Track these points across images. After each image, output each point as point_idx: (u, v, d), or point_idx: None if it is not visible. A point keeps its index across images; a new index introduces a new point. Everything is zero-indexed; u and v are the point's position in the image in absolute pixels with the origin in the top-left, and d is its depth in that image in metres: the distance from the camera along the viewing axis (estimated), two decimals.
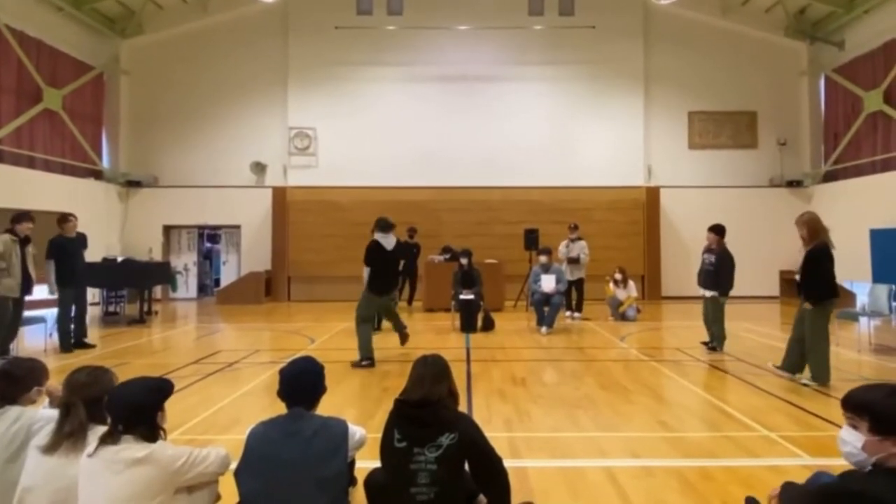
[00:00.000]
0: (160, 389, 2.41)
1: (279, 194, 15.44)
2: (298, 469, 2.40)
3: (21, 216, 7.37)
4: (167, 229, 15.89)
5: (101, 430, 2.31)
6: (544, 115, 15.65)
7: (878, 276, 11.27)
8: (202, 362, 7.17)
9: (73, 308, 8.15)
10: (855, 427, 1.87)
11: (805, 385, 5.80)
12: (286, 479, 2.39)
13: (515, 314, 11.91)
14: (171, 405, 2.46)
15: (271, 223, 15.43)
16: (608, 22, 15.56)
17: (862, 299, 10.49)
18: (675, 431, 4.42)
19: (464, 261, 10.30)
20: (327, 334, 9.50)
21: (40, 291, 7.97)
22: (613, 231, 14.98)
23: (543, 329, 9.38)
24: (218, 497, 2.51)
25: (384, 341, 7.70)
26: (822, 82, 15.72)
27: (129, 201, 15.67)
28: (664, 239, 15.37)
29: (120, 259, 12.24)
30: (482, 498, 2.73)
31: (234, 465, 2.50)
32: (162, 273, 12.65)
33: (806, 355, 5.94)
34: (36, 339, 8.35)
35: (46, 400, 2.82)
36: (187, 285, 15.98)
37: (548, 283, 9.50)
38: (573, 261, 11.15)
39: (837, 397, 1.89)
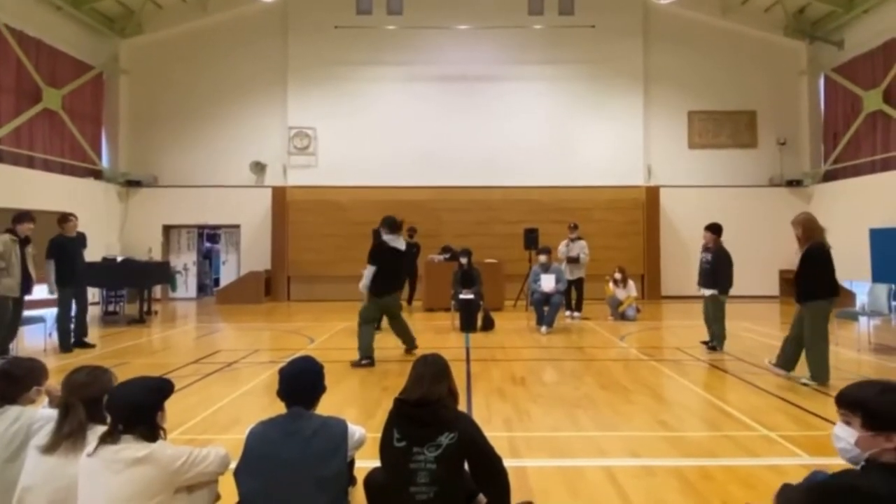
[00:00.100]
0: (160, 389, 2.41)
1: (279, 194, 15.44)
2: (298, 469, 2.40)
3: (22, 216, 7.37)
4: (167, 229, 15.89)
5: (101, 429, 2.31)
6: (544, 115, 15.65)
7: (878, 275, 11.29)
8: (202, 362, 7.17)
9: (74, 307, 8.16)
10: (848, 423, 1.89)
11: (804, 384, 5.80)
12: (286, 478, 2.39)
13: (515, 314, 11.92)
14: (170, 405, 2.46)
15: (271, 223, 15.43)
16: (608, 21, 15.56)
17: (861, 299, 10.50)
18: (675, 431, 4.43)
19: (463, 260, 10.30)
20: (327, 334, 9.50)
21: (40, 291, 7.97)
22: (613, 231, 14.98)
23: (543, 329, 9.39)
24: (218, 497, 2.51)
25: (384, 341, 7.70)
26: (821, 82, 15.72)
27: (128, 201, 15.66)
28: (664, 238, 15.38)
29: (119, 259, 12.23)
30: (482, 497, 2.73)
31: (233, 465, 2.50)
32: (161, 273, 12.65)
33: (805, 355, 5.95)
34: (35, 338, 8.34)
35: (46, 399, 2.82)
36: (187, 285, 15.98)
37: (547, 282, 9.50)
38: (573, 260, 11.15)
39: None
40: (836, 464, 2.03)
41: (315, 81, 15.60)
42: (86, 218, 10.66)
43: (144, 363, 7.11)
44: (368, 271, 6.99)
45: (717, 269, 7.50)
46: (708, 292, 7.65)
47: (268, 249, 15.34)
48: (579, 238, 11.39)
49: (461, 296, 9.79)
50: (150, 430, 2.31)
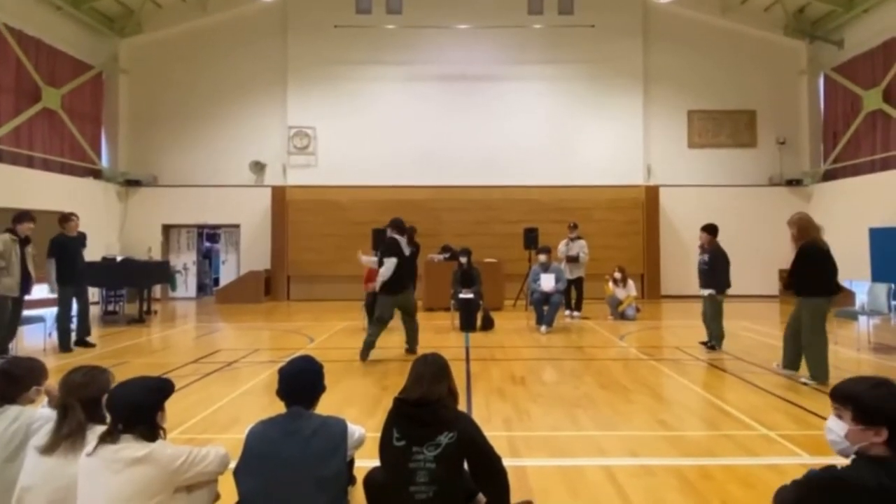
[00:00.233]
0: (160, 389, 2.41)
1: (278, 193, 15.44)
2: (298, 468, 2.40)
3: (22, 216, 7.37)
4: (166, 228, 15.89)
5: (101, 429, 2.31)
6: (544, 115, 15.65)
7: (878, 274, 11.29)
8: (201, 361, 7.17)
9: (75, 307, 8.16)
10: (840, 417, 1.94)
11: (804, 384, 5.81)
12: (285, 478, 2.39)
13: (515, 313, 11.92)
14: (170, 404, 2.46)
15: (270, 222, 15.42)
16: (608, 21, 15.56)
17: (861, 298, 10.49)
18: (675, 430, 4.43)
19: (463, 260, 10.30)
20: (326, 333, 9.50)
21: (40, 291, 7.97)
22: (613, 230, 14.98)
23: (543, 328, 9.39)
24: (217, 496, 2.51)
25: (384, 341, 7.67)
26: (821, 81, 15.72)
27: (128, 201, 15.66)
28: (663, 238, 15.38)
29: (119, 258, 12.22)
30: (481, 497, 2.73)
31: (233, 465, 2.50)
32: (161, 272, 12.64)
33: (804, 354, 5.97)
34: (35, 338, 8.33)
35: (45, 399, 2.82)
36: (186, 285, 15.98)
37: (547, 282, 9.50)
38: (572, 260, 11.15)
39: None
40: (836, 463, 2.04)
41: (315, 81, 15.60)
42: (85, 217, 10.61)
43: (144, 363, 7.11)
44: (390, 263, 7.08)
45: (714, 269, 7.52)
46: (707, 292, 7.66)
47: (267, 249, 15.34)
48: (579, 237, 11.40)
49: (461, 295, 9.79)
50: (149, 429, 2.31)
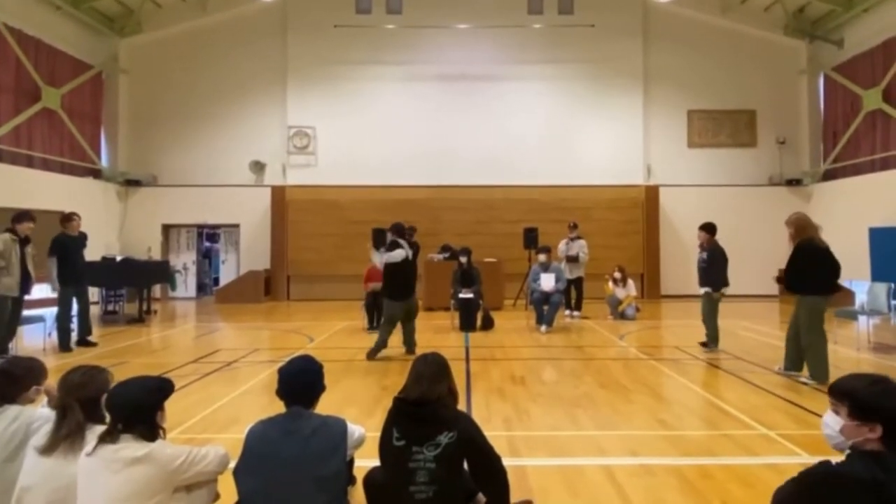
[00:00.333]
0: (160, 389, 2.41)
1: (278, 193, 15.44)
2: (297, 468, 2.40)
3: (22, 216, 7.37)
4: (166, 228, 15.88)
5: (100, 429, 2.31)
6: (544, 114, 15.65)
7: (877, 274, 11.28)
8: (201, 361, 7.17)
9: (76, 306, 8.17)
10: (837, 412, 1.97)
11: (804, 383, 5.81)
12: (285, 477, 2.39)
13: (515, 313, 11.92)
14: (169, 404, 2.46)
15: (270, 222, 15.42)
16: (607, 21, 15.55)
17: (861, 298, 10.49)
18: (674, 430, 4.43)
19: (463, 259, 10.30)
20: (326, 333, 9.50)
21: (41, 290, 7.97)
22: (613, 230, 14.98)
23: (543, 328, 9.39)
24: (217, 496, 2.51)
25: None
26: (821, 81, 15.72)
27: (128, 200, 15.66)
28: (663, 238, 15.38)
29: (119, 258, 12.22)
30: (481, 497, 2.73)
31: (232, 464, 2.50)
32: (161, 272, 12.64)
33: (804, 354, 5.98)
34: (35, 338, 8.33)
35: (45, 399, 2.82)
36: (186, 284, 15.97)
37: (547, 281, 9.50)
38: (572, 259, 11.15)
39: None
40: (831, 459, 2.05)
41: (314, 81, 15.59)
42: (85, 217, 10.56)
43: (144, 362, 7.11)
44: (397, 253, 7.13)
45: (711, 267, 7.55)
46: (704, 290, 7.69)
47: (267, 249, 15.34)
48: (579, 237, 11.40)
49: (461, 295, 9.79)
50: (149, 429, 2.31)
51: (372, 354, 7.13)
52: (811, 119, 15.77)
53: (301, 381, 2.65)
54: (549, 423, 4.65)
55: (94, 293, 11.66)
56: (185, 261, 16.09)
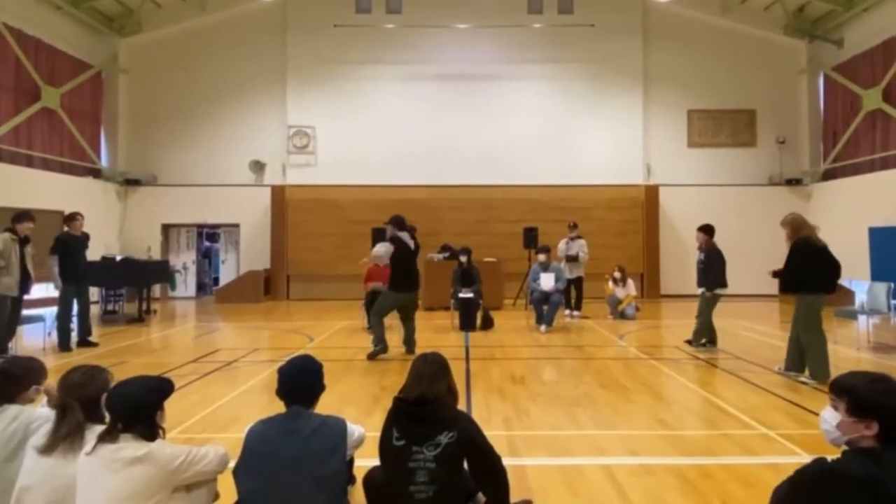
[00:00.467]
0: (160, 389, 2.41)
1: (278, 193, 15.43)
2: (297, 468, 2.40)
3: (22, 215, 7.37)
4: (166, 228, 15.88)
5: (100, 429, 2.31)
6: (543, 114, 15.65)
7: (877, 274, 11.29)
8: (201, 361, 7.17)
9: (76, 306, 8.17)
10: (836, 408, 1.99)
11: (804, 383, 5.81)
12: (285, 477, 2.39)
13: (514, 312, 11.92)
14: (169, 404, 2.45)
15: (270, 222, 15.41)
16: (607, 20, 15.55)
17: (861, 297, 10.49)
18: (674, 429, 4.43)
19: (463, 259, 10.30)
20: (326, 333, 9.50)
21: (39, 290, 7.96)
22: (612, 229, 14.97)
23: (542, 327, 9.39)
24: (217, 496, 2.51)
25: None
26: (821, 80, 15.72)
27: (127, 200, 15.65)
28: (663, 237, 15.38)
29: (119, 258, 12.22)
30: (481, 496, 2.73)
31: (232, 464, 2.50)
32: (161, 272, 12.64)
33: (804, 354, 5.99)
34: (35, 338, 8.33)
35: (44, 399, 2.81)
36: (186, 284, 15.97)
37: (547, 281, 9.50)
38: (572, 259, 11.15)
39: None
40: (826, 456, 2.06)
41: (314, 80, 15.59)
42: (85, 217, 10.64)
43: (143, 362, 7.11)
44: (384, 248, 7.17)
45: (708, 268, 7.59)
46: (701, 291, 7.73)
47: (267, 248, 15.33)
48: (579, 237, 11.40)
49: (460, 294, 9.79)
50: (149, 429, 2.30)
51: (373, 356, 7.10)
52: (811, 119, 15.77)
53: (301, 381, 2.65)
54: (549, 422, 4.65)
55: (93, 293, 11.66)
56: (184, 260, 16.09)
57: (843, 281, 12.25)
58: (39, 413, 2.59)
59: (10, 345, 7.35)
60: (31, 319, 8.00)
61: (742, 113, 15.87)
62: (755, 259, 13.81)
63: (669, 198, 15.52)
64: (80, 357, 7.31)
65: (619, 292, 11.14)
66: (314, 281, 15.18)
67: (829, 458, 1.89)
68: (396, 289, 7.20)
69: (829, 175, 15.18)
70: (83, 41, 14.61)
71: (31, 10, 13.05)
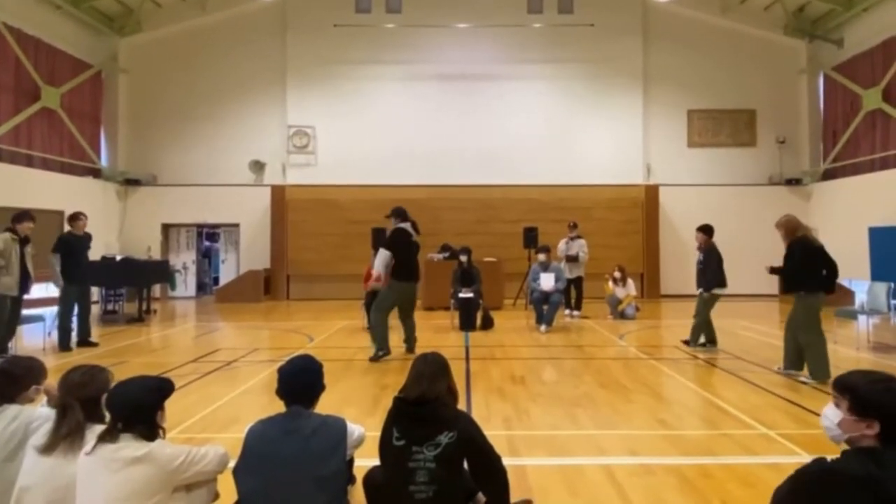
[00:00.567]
0: (161, 389, 2.41)
1: (278, 193, 15.43)
2: (297, 467, 2.40)
3: (22, 215, 7.38)
4: (166, 228, 15.88)
5: (100, 429, 2.30)
6: (543, 114, 15.65)
7: (877, 274, 11.29)
8: (201, 361, 7.17)
9: (77, 306, 8.17)
10: (838, 406, 1.99)
11: (804, 383, 5.81)
12: (285, 477, 2.39)
13: (514, 312, 11.92)
14: (169, 404, 2.45)
15: (270, 221, 15.41)
16: (607, 20, 15.55)
17: (860, 297, 10.49)
18: (674, 429, 4.43)
19: (463, 259, 10.30)
20: (326, 333, 9.50)
21: (39, 290, 7.97)
22: (612, 229, 14.97)
23: (542, 327, 9.39)
24: (216, 496, 2.51)
25: None
26: (821, 80, 15.72)
27: (127, 200, 15.65)
28: (663, 237, 15.38)
29: (119, 258, 12.22)
30: (481, 496, 2.73)
31: (232, 464, 2.50)
32: (161, 272, 12.64)
33: (804, 354, 6.00)
34: (35, 338, 8.34)
35: (44, 398, 2.81)
36: (186, 284, 15.97)
37: (547, 281, 9.50)
38: (572, 259, 11.15)
39: None
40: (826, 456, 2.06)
41: (314, 80, 15.59)
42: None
43: (143, 362, 7.11)
44: (382, 254, 7.03)
45: (705, 268, 7.60)
46: (699, 291, 7.75)
47: (267, 248, 15.33)
48: (578, 237, 11.40)
49: (460, 294, 9.79)
50: (149, 429, 2.30)
51: (376, 359, 6.99)
52: (811, 119, 15.77)
53: (301, 381, 2.65)
54: (549, 422, 4.65)
55: (94, 293, 11.68)
56: (184, 260, 16.09)
57: (843, 281, 12.29)
58: (39, 413, 2.59)
59: (9, 344, 7.35)
60: (30, 319, 8.00)
61: (742, 113, 15.87)
62: (755, 259, 13.77)
63: (669, 198, 15.53)
64: (80, 357, 7.31)
65: (619, 292, 11.14)
66: (314, 281, 15.18)
67: (829, 457, 1.89)
68: (398, 278, 7.12)
69: (829, 175, 15.18)
70: (83, 41, 14.61)
71: (31, 9, 13.04)
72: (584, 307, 11.37)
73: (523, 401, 5.25)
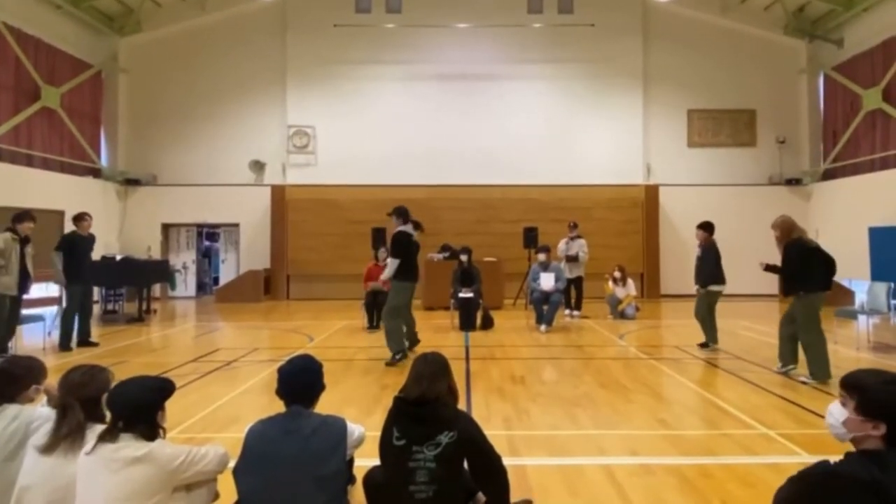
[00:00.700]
0: (161, 389, 2.41)
1: (278, 192, 15.43)
2: (297, 467, 2.40)
3: (22, 215, 7.38)
4: (166, 228, 15.88)
5: (100, 428, 2.31)
6: (543, 114, 15.65)
7: (877, 274, 11.29)
8: (201, 360, 7.17)
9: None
10: (844, 404, 1.96)
11: (803, 382, 5.81)
12: (285, 477, 2.39)
13: (514, 312, 11.92)
14: (169, 403, 2.45)
15: (270, 221, 15.41)
16: (607, 20, 15.55)
17: (860, 297, 10.49)
18: (674, 429, 4.43)
19: (463, 259, 10.30)
20: (326, 332, 9.50)
21: (39, 290, 7.97)
22: (612, 229, 14.97)
23: (542, 327, 9.39)
24: (217, 495, 2.51)
25: (382, 339, 7.67)
26: (821, 80, 15.72)
27: (127, 200, 15.65)
28: (663, 237, 15.38)
29: (119, 257, 12.23)
30: (481, 496, 2.73)
31: (232, 464, 2.50)
32: (161, 271, 12.63)
33: (804, 354, 6.01)
34: (34, 337, 8.34)
35: (44, 398, 2.81)
36: (186, 284, 15.96)
37: (547, 281, 9.50)
38: (572, 259, 11.15)
39: (836, 395, 1.97)
40: (829, 458, 2.05)
41: (314, 80, 15.59)
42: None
43: (143, 362, 7.11)
44: (393, 263, 7.03)
45: (703, 265, 7.60)
46: (696, 288, 7.75)
47: (267, 248, 15.33)
48: (578, 237, 11.40)
49: (460, 294, 9.79)
50: (149, 429, 2.31)
51: (393, 363, 6.77)
52: (811, 119, 15.77)
53: (301, 381, 2.65)
54: (549, 422, 4.65)
55: (94, 293, 11.69)
56: (184, 260, 16.09)
57: (843, 281, 12.30)
58: (39, 412, 2.59)
59: (9, 344, 7.35)
60: (30, 319, 8.00)
61: (742, 113, 15.87)
62: (755, 259, 13.63)
63: (669, 198, 15.53)
64: (80, 357, 7.31)
65: (619, 292, 11.14)
66: (314, 281, 15.18)
67: (832, 460, 1.88)
68: (400, 278, 7.11)
69: (829, 175, 15.18)
70: (83, 41, 14.61)
71: (31, 9, 13.04)
72: (584, 307, 11.37)
73: (523, 401, 5.25)
